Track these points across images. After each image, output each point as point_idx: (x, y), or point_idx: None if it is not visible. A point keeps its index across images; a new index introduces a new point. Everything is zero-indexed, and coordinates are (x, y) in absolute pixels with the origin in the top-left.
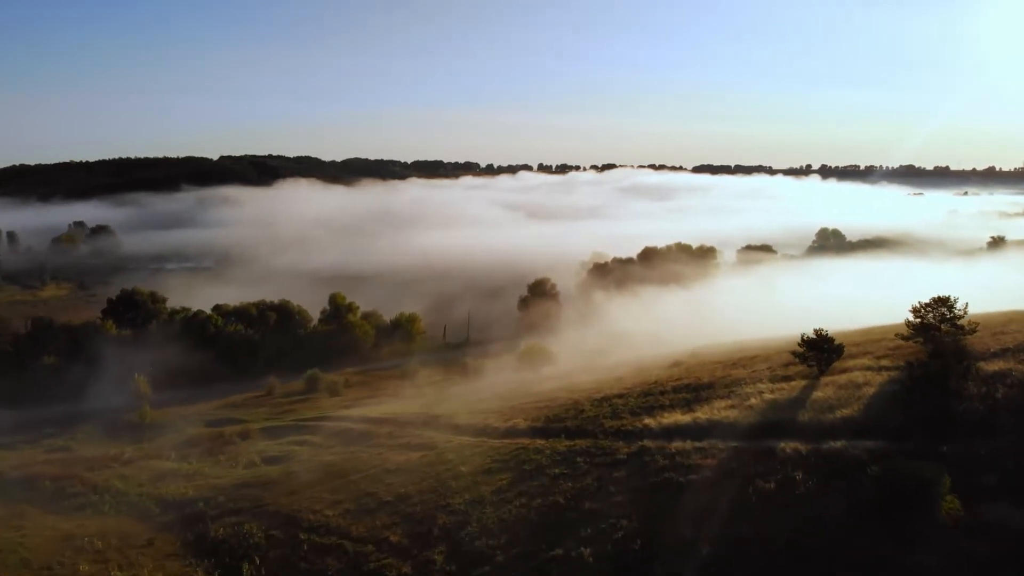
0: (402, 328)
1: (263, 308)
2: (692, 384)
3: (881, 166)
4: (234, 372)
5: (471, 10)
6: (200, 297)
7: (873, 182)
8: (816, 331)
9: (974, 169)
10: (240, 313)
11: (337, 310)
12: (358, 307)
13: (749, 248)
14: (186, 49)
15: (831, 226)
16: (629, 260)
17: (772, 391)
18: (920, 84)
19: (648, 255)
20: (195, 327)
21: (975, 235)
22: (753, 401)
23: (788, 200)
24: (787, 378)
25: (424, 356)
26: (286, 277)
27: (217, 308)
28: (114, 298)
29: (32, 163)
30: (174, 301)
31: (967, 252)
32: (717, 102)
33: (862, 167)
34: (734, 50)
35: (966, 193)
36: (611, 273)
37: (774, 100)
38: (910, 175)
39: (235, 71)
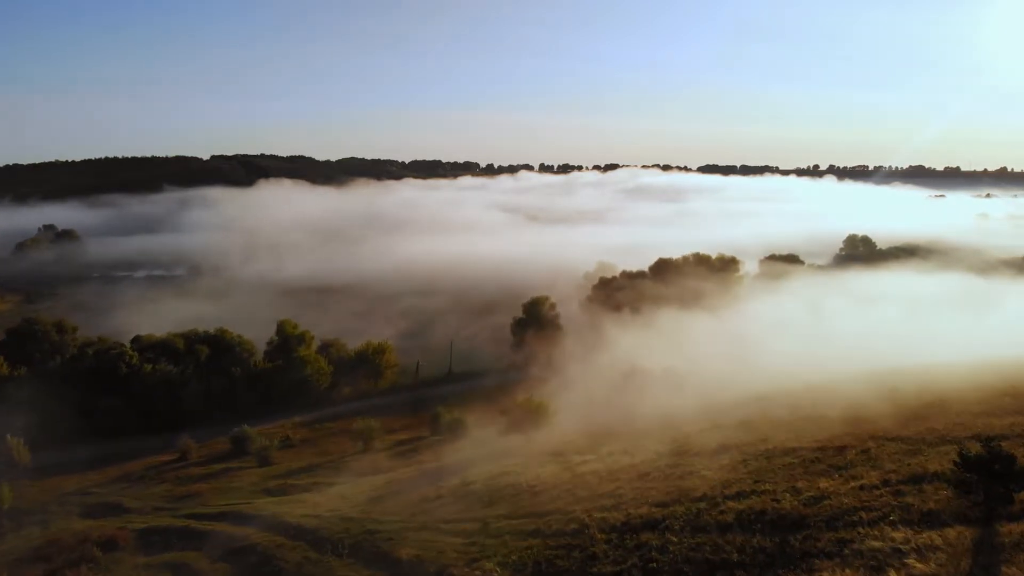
0: (368, 362)
1: (193, 340)
2: (767, 513)
3: (890, 166)
4: (149, 424)
5: (472, 9)
6: (154, 313)
7: (886, 183)
8: (985, 442)
9: (986, 170)
10: (164, 347)
11: (286, 342)
12: (312, 337)
13: (773, 258)
14: (184, 48)
15: (853, 230)
16: (640, 274)
17: (918, 552)
18: (925, 84)
19: (661, 268)
20: (105, 365)
21: (1014, 243)
22: None
23: (804, 202)
24: (931, 518)
25: (392, 399)
26: (254, 289)
27: (136, 341)
28: (14, 328)
29: (25, 163)
30: (125, 318)
31: (1017, 264)
32: (718, 101)
33: (871, 167)
34: (732, 49)
35: (988, 195)
36: (620, 290)
37: (776, 99)
38: (920, 175)
39: (233, 70)
